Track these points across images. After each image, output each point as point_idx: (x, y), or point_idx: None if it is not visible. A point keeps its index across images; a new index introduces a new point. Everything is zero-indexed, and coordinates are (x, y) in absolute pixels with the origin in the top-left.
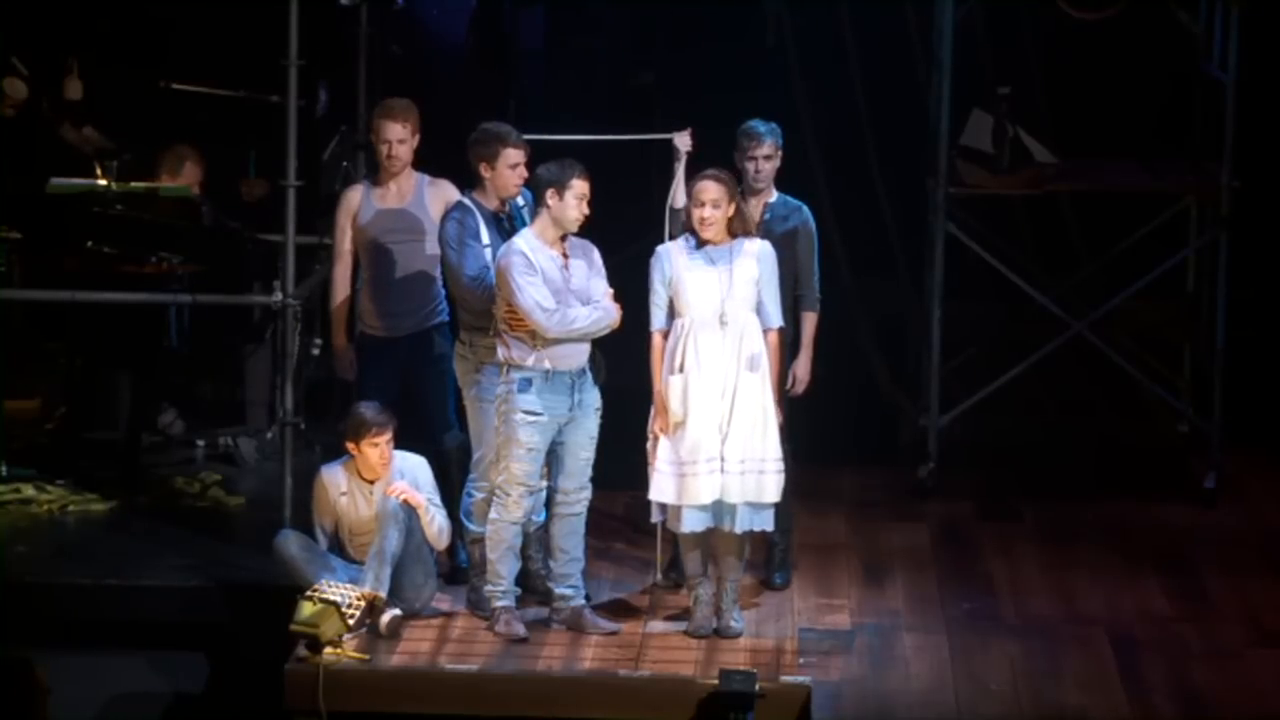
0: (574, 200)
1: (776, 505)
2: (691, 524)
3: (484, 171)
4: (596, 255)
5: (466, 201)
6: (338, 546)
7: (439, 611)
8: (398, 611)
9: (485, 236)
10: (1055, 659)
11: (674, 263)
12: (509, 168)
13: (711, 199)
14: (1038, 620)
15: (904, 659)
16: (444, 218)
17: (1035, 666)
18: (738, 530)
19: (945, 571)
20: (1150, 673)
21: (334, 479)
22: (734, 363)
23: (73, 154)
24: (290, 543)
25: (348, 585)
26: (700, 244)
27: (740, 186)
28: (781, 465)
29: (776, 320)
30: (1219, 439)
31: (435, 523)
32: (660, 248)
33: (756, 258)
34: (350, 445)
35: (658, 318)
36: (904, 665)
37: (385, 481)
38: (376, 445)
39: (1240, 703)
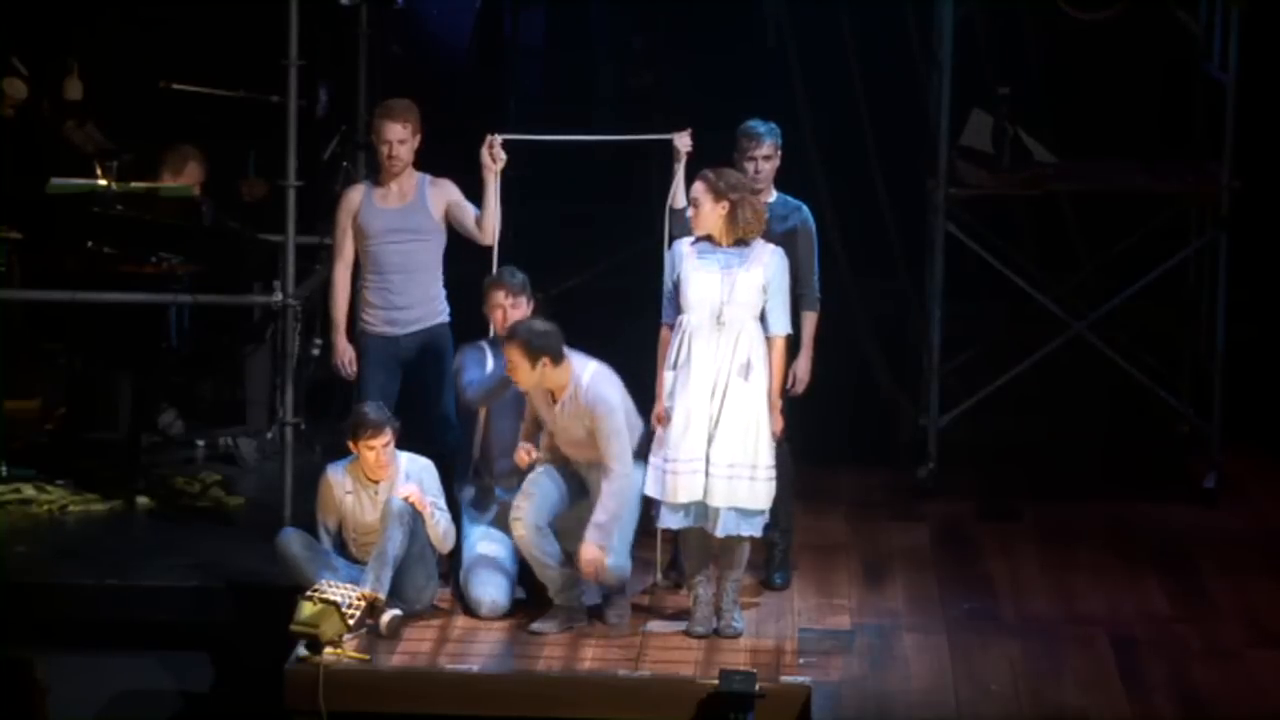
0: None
1: (771, 511)
2: (667, 521)
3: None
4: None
5: (484, 346)
6: (340, 546)
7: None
8: (398, 612)
9: (490, 366)
10: (1055, 659)
11: (683, 260)
12: (493, 307)
13: (691, 198)
14: (1038, 620)
15: (904, 659)
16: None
17: (1035, 666)
18: (719, 534)
19: (945, 571)
20: (1150, 673)
21: (339, 478)
22: (726, 366)
23: (73, 154)
24: (292, 541)
25: (348, 585)
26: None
27: None
28: (773, 474)
29: (781, 328)
30: (1219, 439)
31: (440, 526)
32: (676, 243)
33: (764, 264)
34: (350, 444)
35: (666, 311)
36: (904, 665)
37: (390, 483)
38: (373, 448)
39: (1240, 703)
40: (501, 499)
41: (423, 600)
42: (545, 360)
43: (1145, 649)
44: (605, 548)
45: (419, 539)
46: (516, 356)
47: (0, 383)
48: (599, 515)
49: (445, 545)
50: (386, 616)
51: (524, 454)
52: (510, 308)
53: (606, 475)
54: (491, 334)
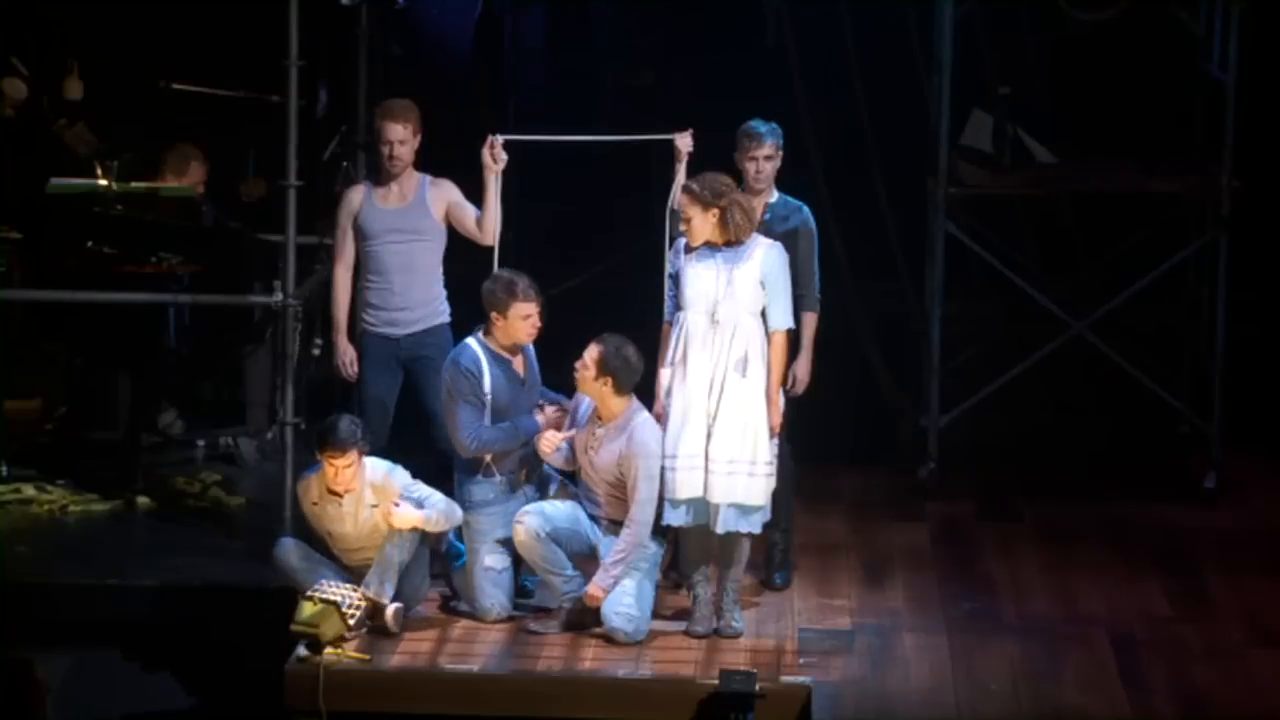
0: (519, 321)
1: (773, 507)
2: (668, 518)
3: (495, 320)
4: None
5: (474, 346)
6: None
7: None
8: (399, 604)
9: (488, 384)
10: (1055, 659)
11: (682, 257)
12: (521, 319)
13: (681, 215)
14: (1038, 620)
15: (904, 659)
16: (450, 361)
17: (1035, 666)
18: (719, 531)
19: (945, 571)
20: (1150, 673)
21: (307, 487)
22: (723, 362)
23: (72, 154)
24: (290, 553)
25: (348, 585)
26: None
27: (740, 186)
28: (772, 469)
29: (781, 322)
30: (1219, 439)
31: (444, 520)
32: (678, 240)
33: (760, 259)
34: (317, 453)
35: (668, 307)
36: (904, 665)
37: (356, 496)
38: (334, 466)
39: (1240, 703)
40: (507, 498)
41: (418, 598)
42: (610, 381)
43: (1145, 649)
44: (608, 590)
45: (420, 542)
46: (592, 360)
47: (0, 383)
48: (610, 556)
49: (456, 520)
50: (391, 610)
51: (548, 443)
52: (540, 317)
53: (628, 519)
54: (476, 336)
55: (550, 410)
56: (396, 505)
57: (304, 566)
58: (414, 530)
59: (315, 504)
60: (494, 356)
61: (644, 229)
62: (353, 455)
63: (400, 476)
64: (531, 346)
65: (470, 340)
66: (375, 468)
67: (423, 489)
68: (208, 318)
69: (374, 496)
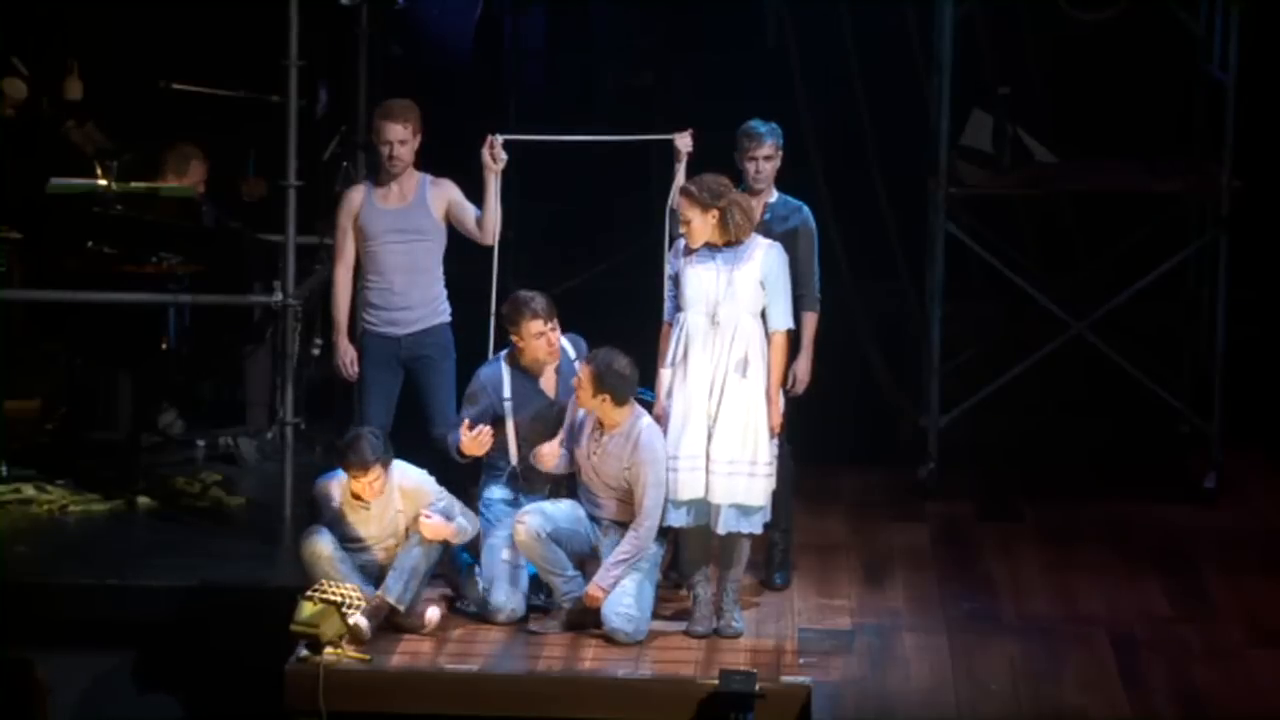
0: (532, 339)
1: (773, 508)
2: (669, 519)
3: (515, 341)
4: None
5: (500, 363)
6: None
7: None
8: (436, 609)
9: (507, 390)
10: (1055, 659)
11: (682, 258)
12: (534, 337)
13: (681, 217)
14: (1038, 620)
15: (904, 659)
16: (477, 374)
17: (1035, 666)
18: (720, 531)
19: (945, 571)
20: (1150, 673)
21: (327, 491)
22: (723, 363)
23: (73, 154)
24: (326, 542)
25: (349, 585)
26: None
27: (740, 186)
28: (772, 469)
29: (781, 323)
30: (1219, 439)
31: (469, 532)
32: (677, 241)
33: (760, 260)
34: (341, 465)
35: (667, 308)
36: (904, 665)
37: (382, 502)
38: (360, 482)
39: (1240, 703)
40: (527, 496)
41: (420, 602)
42: (607, 397)
43: (1145, 649)
44: (608, 590)
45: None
46: (586, 379)
47: (0, 383)
48: (613, 557)
49: (476, 530)
50: (436, 616)
51: (549, 454)
52: (551, 331)
53: (634, 525)
54: (499, 354)
55: (466, 434)
56: (428, 517)
57: (338, 556)
58: (443, 541)
59: (337, 505)
60: (518, 374)
61: (644, 229)
62: (378, 471)
63: (431, 485)
64: (576, 365)
65: (501, 355)
66: (407, 474)
67: (448, 498)
68: (208, 318)
69: (402, 501)
